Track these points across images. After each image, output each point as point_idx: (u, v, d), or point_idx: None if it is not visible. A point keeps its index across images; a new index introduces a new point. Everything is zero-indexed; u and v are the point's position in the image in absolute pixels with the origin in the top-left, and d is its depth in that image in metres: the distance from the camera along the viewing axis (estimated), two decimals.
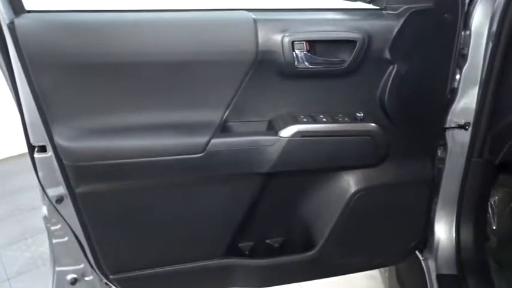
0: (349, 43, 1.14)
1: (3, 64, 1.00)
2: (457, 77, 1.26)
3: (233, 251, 1.32)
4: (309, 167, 1.23)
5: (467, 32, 1.21)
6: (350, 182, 1.27)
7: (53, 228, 1.19)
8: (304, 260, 1.33)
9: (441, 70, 1.23)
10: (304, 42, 1.12)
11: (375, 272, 1.98)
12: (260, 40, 1.09)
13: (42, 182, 1.13)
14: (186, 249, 1.28)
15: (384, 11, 1.20)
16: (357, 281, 2.02)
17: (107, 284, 1.30)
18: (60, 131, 1.05)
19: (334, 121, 1.18)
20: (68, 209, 1.15)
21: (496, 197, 1.59)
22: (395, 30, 1.15)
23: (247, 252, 1.35)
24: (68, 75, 1.03)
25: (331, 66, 1.16)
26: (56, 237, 1.21)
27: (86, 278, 1.29)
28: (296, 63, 1.12)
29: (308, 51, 1.13)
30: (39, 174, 1.12)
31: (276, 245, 1.38)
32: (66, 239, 1.21)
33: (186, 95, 1.12)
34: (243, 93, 1.14)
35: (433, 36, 1.19)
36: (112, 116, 1.08)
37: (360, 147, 1.22)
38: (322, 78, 1.19)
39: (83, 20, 1.03)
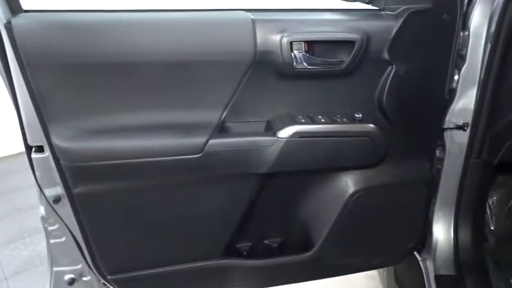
0: (347, 43, 1.13)
1: (0, 64, 0.99)
2: (456, 77, 1.26)
3: (231, 251, 1.32)
4: (308, 168, 1.23)
5: (466, 33, 1.21)
6: (348, 183, 1.27)
7: (50, 228, 1.19)
8: (303, 261, 1.33)
9: (440, 71, 1.23)
10: (302, 42, 1.12)
11: (375, 272, 1.98)
12: (258, 40, 1.09)
13: (40, 182, 1.12)
14: (184, 249, 1.28)
15: (382, 12, 1.20)
16: (356, 281, 2.01)
17: (104, 284, 1.29)
18: (57, 131, 1.05)
19: (333, 122, 1.17)
20: (65, 209, 1.14)
21: (494, 198, 1.60)
22: (394, 30, 1.15)
23: (245, 253, 1.35)
24: (66, 75, 1.03)
25: (329, 67, 1.15)
26: (54, 238, 1.20)
27: (84, 278, 1.28)
28: (294, 63, 1.12)
29: (306, 52, 1.12)
30: (37, 174, 1.11)
31: (275, 246, 1.38)
32: (63, 239, 1.20)
33: (184, 95, 1.11)
34: (241, 93, 1.13)
35: (431, 37, 1.19)
36: (109, 117, 1.08)
37: (358, 147, 1.22)
38: (321, 79, 1.18)
39: (81, 20, 1.03)
